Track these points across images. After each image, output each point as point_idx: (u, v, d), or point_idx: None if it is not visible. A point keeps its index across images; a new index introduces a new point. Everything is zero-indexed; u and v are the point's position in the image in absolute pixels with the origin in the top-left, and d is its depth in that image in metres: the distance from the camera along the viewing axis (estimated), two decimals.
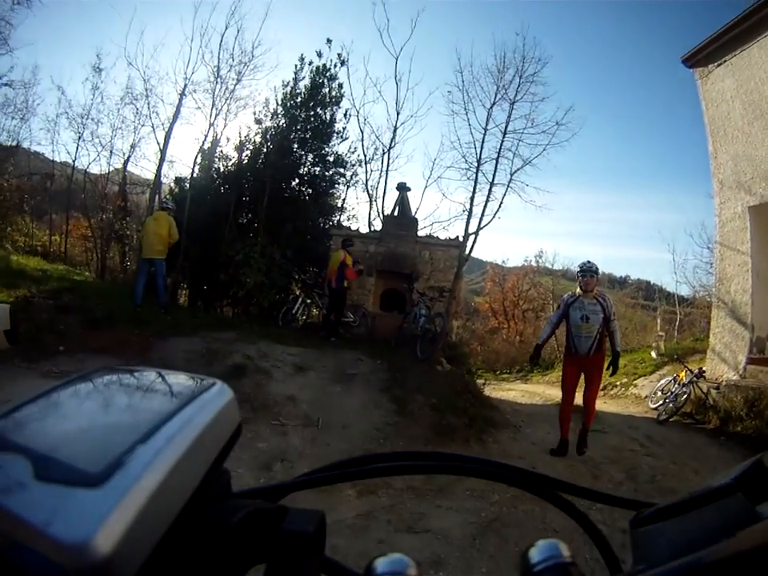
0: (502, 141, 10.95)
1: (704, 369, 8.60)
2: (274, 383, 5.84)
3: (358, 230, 12.02)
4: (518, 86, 11.22)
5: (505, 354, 21.20)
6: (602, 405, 8.58)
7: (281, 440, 4.58)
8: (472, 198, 10.93)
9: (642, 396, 9.29)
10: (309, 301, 11.06)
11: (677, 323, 21.37)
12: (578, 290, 5.91)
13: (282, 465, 4.15)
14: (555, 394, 10.20)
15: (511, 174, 11.64)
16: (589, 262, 5.94)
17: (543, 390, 11.21)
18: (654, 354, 11.43)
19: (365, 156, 15.27)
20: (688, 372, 8.49)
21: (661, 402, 8.32)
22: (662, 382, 9.07)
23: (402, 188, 12.23)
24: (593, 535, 0.50)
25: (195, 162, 13.78)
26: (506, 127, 11.03)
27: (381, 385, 6.12)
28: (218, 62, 13.12)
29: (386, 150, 15.23)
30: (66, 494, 0.26)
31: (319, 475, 0.50)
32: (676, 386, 8.34)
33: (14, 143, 16.50)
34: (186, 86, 13.17)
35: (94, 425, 0.33)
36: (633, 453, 5.65)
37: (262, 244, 11.40)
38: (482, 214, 11.24)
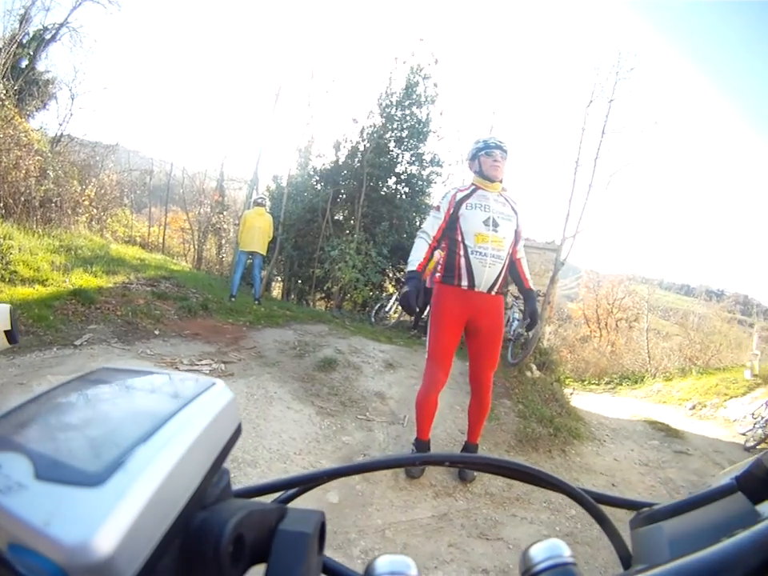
0: (601, 141, 10.64)
1: None
2: (363, 378, 5.88)
3: None
4: (615, 83, 10.82)
5: (594, 363, 20.64)
6: (690, 426, 8.30)
7: (365, 435, 4.60)
8: (570, 201, 10.71)
9: (732, 419, 8.73)
10: None
11: None
12: (476, 179, 3.90)
13: (363, 459, 4.14)
14: (644, 409, 9.82)
15: (610, 176, 11.32)
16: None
17: (631, 404, 10.84)
18: (747, 375, 10.71)
19: (461, 156, 15.04)
20: None
21: (750, 427, 7.71)
22: (754, 405, 8.48)
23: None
24: (605, 527, 0.51)
25: (292, 160, 14.07)
26: (604, 126, 10.70)
27: (467, 387, 6.10)
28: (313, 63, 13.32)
29: None
30: (66, 493, 0.26)
31: (315, 473, 0.52)
32: (767, 410, 7.70)
33: (115, 142, 17.37)
34: (281, 86, 13.52)
35: (94, 425, 0.34)
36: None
37: (358, 241, 11.53)
38: (580, 218, 11.02)
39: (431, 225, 3.83)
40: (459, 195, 3.81)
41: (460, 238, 3.73)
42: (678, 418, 9.21)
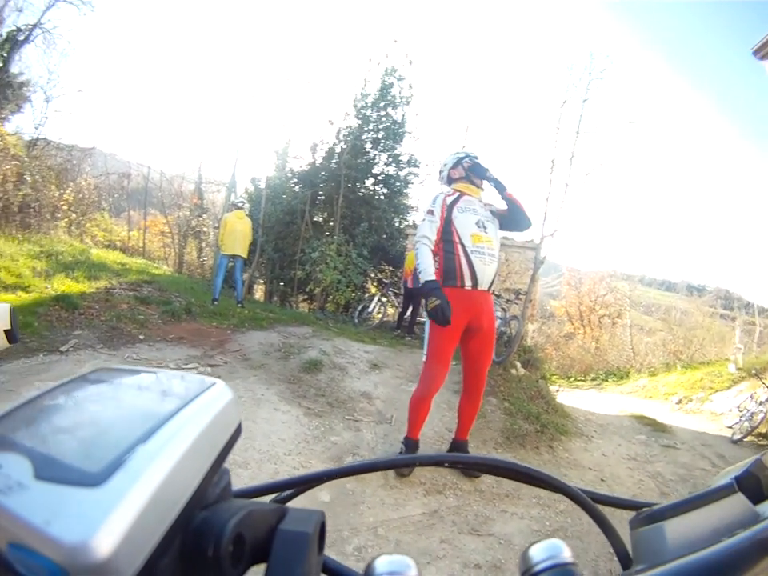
0: (575, 140, 10.70)
1: None
2: (349, 379, 5.89)
3: None
4: (588, 83, 10.89)
5: (579, 360, 20.72)
6: (677, 420, 8.33)
7: (354, 435, 4.60)
8: (547, 199, 10.77)
9: (718, 413, 8.82)
10: (385, 299, 11.06)
11: (756, 335, 20.42)
12: (460, 185, 3.97)
13: (353, 459, 4.17)
14: (630, 404, 9.93)
15: (586, 175, 11.39)
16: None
17: (617, 400, 10.97)
18: (731, 368, 10.83)
19: (437, 158, 14.93)
20: (765, 389, 7.92)
21: (736, 420, 7.76)
22: (739, 398, 8.58)
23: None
24: (603, 527, 0.51)
25: (270, 162, 14.21)
26: (579, 126, 10.77)
27: (454, 386, 6.02)
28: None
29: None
30: (66, 493, 0.26)
31: (314, 474, 0.52)
32: (752, 403, 7.78)
33: (91, 145, 17.15)
34: (257, 88, 13.54)
35: (94, 425, 0.34)
36: (703, 472, 5.33)
37: (338, 242, 11.56)
38: (558, 216, 11.09)
39: (429, 229, 3.79)
40: (449, 199, 3.83)
41: (457, 240, 3.72)
42: (665, 412, 9.29)
